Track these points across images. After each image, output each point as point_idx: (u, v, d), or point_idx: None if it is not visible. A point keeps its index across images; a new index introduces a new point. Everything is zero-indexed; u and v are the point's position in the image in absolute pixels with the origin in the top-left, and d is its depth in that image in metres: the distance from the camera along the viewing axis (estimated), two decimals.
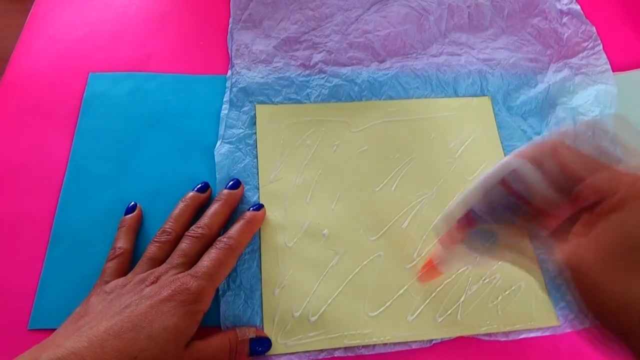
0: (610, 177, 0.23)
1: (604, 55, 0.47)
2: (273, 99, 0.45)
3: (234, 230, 0.36)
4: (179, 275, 0.31)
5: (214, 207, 0.37)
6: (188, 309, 0.30)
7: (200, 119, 0.44)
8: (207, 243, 0.35)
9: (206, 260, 0.33)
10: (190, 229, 0.35)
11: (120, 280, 0.33)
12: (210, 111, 0.44)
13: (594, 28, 0.49)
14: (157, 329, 0.29)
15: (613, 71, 0.47)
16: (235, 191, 0.39)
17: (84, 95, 0.44)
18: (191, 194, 0.38)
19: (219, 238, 0.35)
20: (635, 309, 0.21)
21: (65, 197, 0.39)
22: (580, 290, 0.23)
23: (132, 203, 0.38)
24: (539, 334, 0.36)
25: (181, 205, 0.37)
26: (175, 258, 0.33)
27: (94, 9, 0.50)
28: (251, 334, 0.34)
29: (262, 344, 0.34)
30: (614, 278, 0.22)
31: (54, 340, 0.29)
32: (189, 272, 0.32)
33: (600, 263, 0.22)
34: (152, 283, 0.31)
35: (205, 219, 0.36)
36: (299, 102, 0.45)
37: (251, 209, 0.38)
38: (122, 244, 0.36)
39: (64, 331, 0.30)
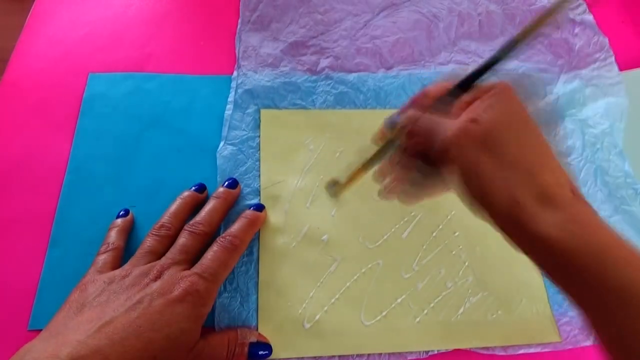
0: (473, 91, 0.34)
1: (616, 67, 0.53)
2: (278, 104, 0.51)
3: (238, 229, 0.41)
4: (186, 274, 0.36)
5: (212, 204, 0.42)
6: (198, 311, 0.35)
7: (200, 119, 0.50)
8: (206, 240, 0.40)
9: (212, 260, 0.38)
10: (190, 223, 0.40)
11: (118, 271, 0.37)
12: (210, 111, 0.50)
13: (607, 39, 0.55)
14: (175, 331, 0.33)
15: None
16: (233, 190, 0.44)
17: (84, 95, 0.50)
18: (188, 192, 0.44)
19: (222, 235, 0.40)
20: (505, 196, 0.29)
21: (65, 197, 0.45)
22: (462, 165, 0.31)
23: (123, 211, 0.44)
24: (538, 349, 0.41)
25: (179, 201, 0.43)
26: (176, 254, 0.38)
27: (94, 9, 0.56)
28: (252, 337, 0.39)
29: (263, 348, 0.39)
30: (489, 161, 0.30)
31: (65, 333, 0.32)
32: (196, 271, 0.37)
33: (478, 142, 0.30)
34: (156, 277, 0.36)
35: (204, 215, 0.41)
36: (304, 107, 0.51)
37: (252, 208, 0.43)
38: (115, 240, 0.41)
39: (68, 322, 0.33)
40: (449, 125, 0.32)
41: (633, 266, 0.26)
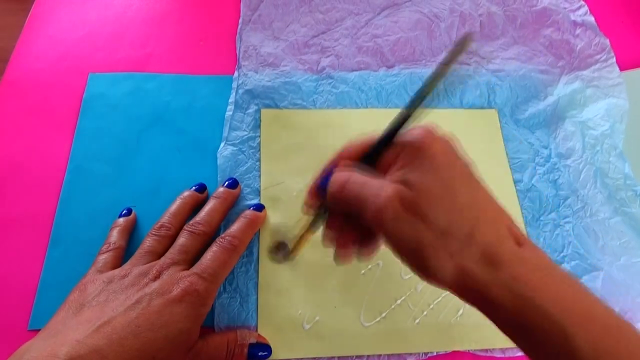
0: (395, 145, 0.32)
1: (617, 68, 0.54)
2: (279, 104, 0.51)
3: (237, 229, 0.42)
4: (185, 274, 0.37)
5: (212, 204, 0.43)
6: (197, 311, 0.36)
7: (200, 119, 0.51)
8: (206, 240, 0.41)
9: (211, 260, 0.39)
10: (189, 223, 0.41)
11: (117, 270, 0.38)
12: (210, 111, 0.51)
13: (608, 40, 0.55)
14: (173, 331, 0.35)
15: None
16: (233, 190, 0.45)
17: (84, 95, 0.51)
18: (189, 192, 0.45)
19: (222, 235, 0.41)
20: (450, 265, 0.28)
21: (65, 197, 0.46)
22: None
23: (126, 210, 0.45)
24: None
25: (179, 201, 0.44)
26: (176, 254, 0.39)
27: (94, 9, 0.57)
28: (252, 338, 0.40)
29: (263, 349, 0.40)
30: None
31: (64, 333, 0.33)
32: (196, 271, 0.38)
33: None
34: (156, 277, 0.37)
35: (204, 215, 0.42)
36: (305, 107, 0.52)
37: (252, 208, 0.44)
38: (117, 239, 0.42)
39: (68, 322, 0.34)
40: (377, 191, 0.30)
41: (580, 326, 0.26)
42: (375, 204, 0.30)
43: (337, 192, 0.32)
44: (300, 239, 0.38)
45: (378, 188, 0.30)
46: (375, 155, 0.33)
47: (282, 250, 0.40)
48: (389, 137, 0.33)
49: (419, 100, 0.33)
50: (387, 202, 0.29)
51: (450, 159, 0.31)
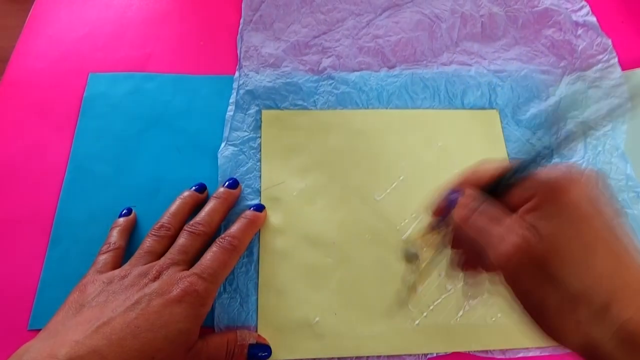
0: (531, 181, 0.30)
1: (619, 69, 0.54)
2: (279, 104, 0.52)
3: (237, 229, 0.42)
4: (185, 274, 0.37)
5: (212, 204, 0.43)
6: (197, 312, 0.37)
7: (200, 119, 0.51)
8: (206, 240, 0.41)
9: (211, 261, 0.39)
10: (189, 224, 0.42)
11: (117, 271, 0.39)
12: (210, 111, 0.51)
13: (610, 40, 0.56)
14: (173, 331, 0.35)
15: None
16: (233, 190, 0.45)
17: (84, 95, 0.51)
18: (188, 192, 0.45)
19: (222, 236, 0.41)
20: (578, 335, 0.26)
21: (65, 197, 0.46)
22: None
23: (126, 210, 0.45)
24: (537, 353, 0.42)
25: (178, 201, 0.44)
26: (175, 254, 0.39)
27: (94, 9, 0.58)
28: (252, 339, 0.40)
29: (263, 350, 0.40)
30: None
31: (63, 333, 0.34)
32: (195, 271, 0.38)
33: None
34: (155, 278, 0.37)
35: (204, 215, 0.42)
36: (306, 108, 0.52)
37: (252, 208, 0.45)
38: (117, 240, 0.42)
39: (67, 322, 0.35)
40: (504, 233, 0.28)
41: None
42: (499, 247, 0.28)
43: (463, 221, 0.31)
44: (422, 275, 0.40)
45: (505, 229, 0.28)
46: (505, 186, 0.31)
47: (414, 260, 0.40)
48: (523, 170, 0.30)
49: (570, 138, 0.30)
50: (512, 250, 0.27)
51: (593, 211, 0.27)
